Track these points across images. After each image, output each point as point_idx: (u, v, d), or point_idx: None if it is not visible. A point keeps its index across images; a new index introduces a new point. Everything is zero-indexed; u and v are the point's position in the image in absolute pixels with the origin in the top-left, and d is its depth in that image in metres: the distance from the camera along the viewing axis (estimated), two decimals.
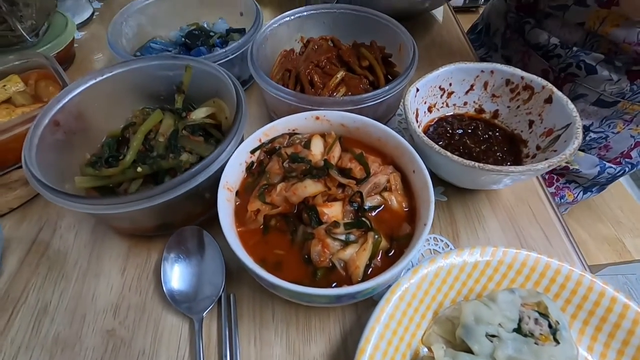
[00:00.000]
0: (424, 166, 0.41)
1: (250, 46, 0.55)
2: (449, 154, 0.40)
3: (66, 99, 0.46)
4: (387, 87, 0.49)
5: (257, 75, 0.51)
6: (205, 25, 0.72)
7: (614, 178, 0.85)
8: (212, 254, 0.42)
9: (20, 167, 0.51)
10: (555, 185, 0.89)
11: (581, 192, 0.90)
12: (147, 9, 0.66)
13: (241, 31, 0.69)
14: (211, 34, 0.68)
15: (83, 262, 0.45)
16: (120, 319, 0.41)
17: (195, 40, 0.67)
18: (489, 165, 0.38)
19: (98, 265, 0.45)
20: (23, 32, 0.60)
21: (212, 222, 0.46)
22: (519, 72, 0.49)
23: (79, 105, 0.48)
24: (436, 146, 0.41)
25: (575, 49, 0.72)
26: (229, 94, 0.48)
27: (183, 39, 0.68)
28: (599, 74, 0.69)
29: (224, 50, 0.56)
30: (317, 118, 0.48)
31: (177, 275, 0.41)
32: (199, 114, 0.51)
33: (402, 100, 0.47)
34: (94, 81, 0.49)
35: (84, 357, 0.38)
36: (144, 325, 0.40)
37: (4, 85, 0.53)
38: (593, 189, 0.90)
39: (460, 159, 0.39)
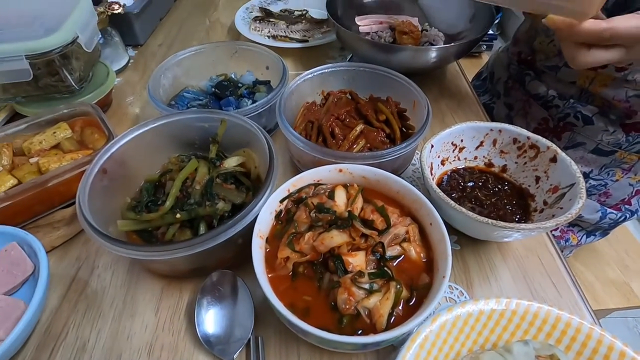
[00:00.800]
0: (440, 220, 0.44)
1: (278, 101, 0.61)
2: (464, 209, 0.44)
3: (113, 149, 0.51)
4: (404, 144, 0.54)
5: (285, 130, 0.56)
6: (233, 77, 0.78)
7: (616, 223, 0.88)
8: (243, 297, 0.45)
9: (64, 208, 0.56)
10: (559, 229, 0.92)
11: (585, 236, 0.92)
12: (183, 62, 0.73)
13: (266, 83, 0.75)
14: (239, 84, 0.75)
15: (119, 302, 0.48)
16: (154, 358, 0.43)
17: (225, 91, 0.73)
18: (501, 222, 0.42)
19: (133, 305, 0.48)
20: (72, 83, 0.66)
21: (240, 264, 0.49)
22: (525, 132, 0.54)
23: (123, 154, 0.53)
24: (452, 202, 0.45)
25: (572, 100, 0.77)
26: (259, 145, 0.53)
27: (213, 89, 0.74)
28: (595, 124, 0.74)
29: (254, 105, 0.61)
30: (340, 170, 0.52)
31: (210, 318, 0.44)
32: (231, 163, 0.56)
33: (419, 156, 0.52)
34: (138, 132, 0.54)
35: None
36: None
37: (54, 132, 0.59)
38: (596, 233, 0.93)
39: (475, 216, 0.43)
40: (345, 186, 0.51)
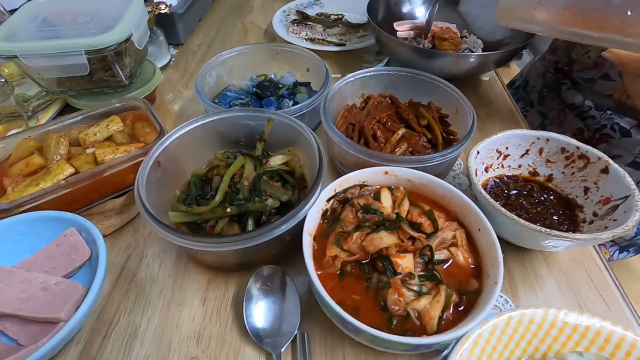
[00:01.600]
0: (490, 226, 0.44)
1: (322, 103, 0.62)
2: (515, 217, 0.44)
3: (167, 143, 0.53)
4: (451, 149, 0.54)
5: (331, 131, 0.57)
6: (273, 77, 0.80)
7: None
8: (290, 293, 0.46)
9: (115, 197, 0.58)
10: None
11: (617, 251, 0.90)
12: (226, 62, 0.75)
13: (307, 85, 0.76)
14: (280, 85, 0.76)
15: (167, 291, 0.50)
16: (202, 348, 0.44)
17: (265, 91, 0.75)
18: (556, 231, 0.42)
19: (181, 295, 0.49)
20: (123, 78, 0.69)
21: (284, 261, 0.50)
22: (574, 142, 0.53)
23: (174, 148, 0.54)
24: (503, 209, 0.45)
25: (609, 112, 0.76)
26: (305, 145, 0.54)
27: (254, 89, 0.76)
28: (634, 137, 0.72)
29: (299, 105, 0.62)
30: (386, 173, 0.52)
31: (259, 312, 0.45)
32: (276, 161, 0.57)
33: (467, 162, 0.52)
34: (189, 128, 0.56)
35: None
36: (225, 355, 0.44)
37: (107, 125, 0.61)
38: (630, 249, 0.90)
39: (528, 224, 0.43)
40: (390, 188, 0.52)
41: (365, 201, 0.49)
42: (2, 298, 0.42)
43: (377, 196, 0.50)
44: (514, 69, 1.86)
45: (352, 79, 0.68)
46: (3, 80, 0.65)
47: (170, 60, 0.93)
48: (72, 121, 0.61)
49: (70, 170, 0.54)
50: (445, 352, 0.43)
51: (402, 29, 0.86)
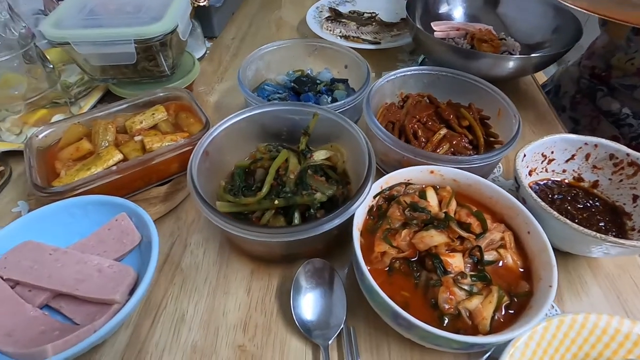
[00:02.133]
0: (541, 229, 0.44)
1: (365, 100, 0.62)
2: (568, 221, 0.43)
3: (215, 133, 0.54)
4: (497, 151, 0.54)
5: (375, 128, 0.57)
6: (309, 73, 0.80)
7: None
8: (337, 287, 0.46)
9: (159, 185, 0.59)
10: None
11: None
12: (265, 56, 0.75)
13: (344, 81, 0.76)
14: (317, 81, 0.76)
15: (212, 279, 0.50)
16: (249, 336, 0.45)
17: (303, 86, 0.75)
18: (612, 238, 0.41)
19: (226, 283, 0.50)
20: (166, 69, 0.70)
21: (327, 255, 0.50)
22: (624, 148, 0.53)
23: (221, 138, 0.55)
24: (555, 213, 0.44)
25: None
26: (351, 141, 0.55)
27: (291, 84, 0.76)
28: None
29: (342, 102, 0.63)
30: (432, 172, 0.52)
31: (306, 304, 0.45)
32: (320, 156, 0.57)
33: (514, 165, 0.52)
34: (236, 119, 0.56)
35: None
36: (271, 345, 0.44)
37: (153, 114, 0.62)
38: None
39: (582, 229, 0.42)
40: (434, 188, 0.52)
41: (411, 199, 0.49)
42: (60, 277, 0.43)
43: (422, 195, 0.50)
44: (540, 73, 1.84)
45: (392, 77, 0.68)
46: (51, 67, 0.67)
47: (205, 53, 0.94)
48: (118, 109, 0.63)
49: (119, 156, 0.55)
50: (490, 352, 0.43)
51: (440, 29, 0.85)
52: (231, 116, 0.56)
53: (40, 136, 0.57)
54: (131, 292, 0.44)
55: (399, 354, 0.44)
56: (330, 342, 0.43)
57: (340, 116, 0.56)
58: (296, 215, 0.50)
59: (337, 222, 0.43)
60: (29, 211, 0.58)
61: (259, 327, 0.46)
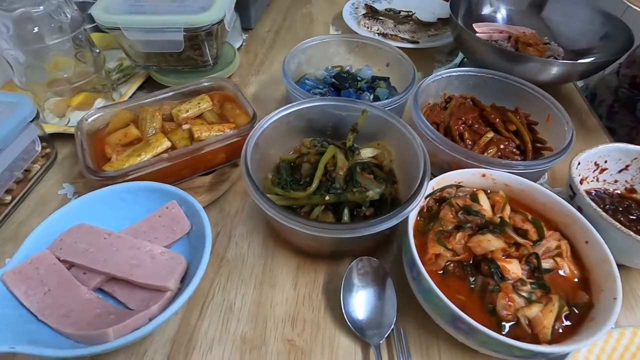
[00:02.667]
0: (601, 239, 0.43)
1: (413, 98, 0.61)
2: (632, 233, 0.42)
3: (265, 125, 0.53)
4: (550, 158, 0.53)
5: (425, 128, 0.57)
6: (349, 69, 0.79)
7: None
8: (387, 286, 0.46)
9: (203, 175, 0.59)
10: None
11: None
12: (307, 50, 0.75)
13: (386, 79, 0.76)
14: (358, 78, 0.75)
15: (258, 272, 0.50)
16: (298, 331, 0.45)
17: (343, 82, 0.74)
18: None
19: (272, 276, 0.50)
20: (209, 58, 0.70)
21: (375, 252, 0.50)
22: None
23: (270, 131, 0.55)
24: (617, 223, 0.43)
25: None
26: (400, 140, 0.54)
27: (332, 79, 0.76)
28: None
29: (389, 100, 0.62)
30: (484, 175, 0.52)
31: (359, 302, 0.45)
32: (367, 154, 0.57)
33: (569, 173, 0.51)
34: (285, 112, 0.56)
35: None
36: (320, 341, 0.44)
37: (198, 103, 0.62)
38: None
39: None
40: (485, 192, 0.51)
41: (463, 202, 0.49)
42: (115, 262, 0.43)
43: (474, 198, 0.50)
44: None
45: (438, 77, 0.67)
46: (97, 51, 0.67)
47: (241, 45, 0.94)
48: (164, 96, 0.63)
49: (168, 144, 0.55)
50: None
51: (483, 30, 0.84)
52: (281, 109, 0.55)
53: (90, 120, 0.57)
54: (182, 280, 0.44)
55: (449, 356, 0.43)
56: (381, 341, 0.43)
57: (391, 114, 0.55)
58: (345, 212, 0.49)
59: (394, 221, 0.43)
60: (74, 194, 0.59)
61: (308, 323, 0.45)
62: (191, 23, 0.62)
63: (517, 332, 0.39)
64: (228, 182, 0.59)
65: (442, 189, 0.51)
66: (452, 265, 0.44)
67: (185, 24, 0.62)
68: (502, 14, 0.91)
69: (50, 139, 0.62)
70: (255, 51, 0.94)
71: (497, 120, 0.64)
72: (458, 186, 0.52)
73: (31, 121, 0.54)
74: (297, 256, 0.52)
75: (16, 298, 0.39)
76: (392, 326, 0.44)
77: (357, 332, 0.43)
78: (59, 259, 0.43)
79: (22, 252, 0.42)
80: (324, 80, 0.77)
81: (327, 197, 0.49)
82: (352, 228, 0.42)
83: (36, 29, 0.57)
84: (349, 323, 0.44)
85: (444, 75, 0.68)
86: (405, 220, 0.44)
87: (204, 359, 0.42)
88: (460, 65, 0.90)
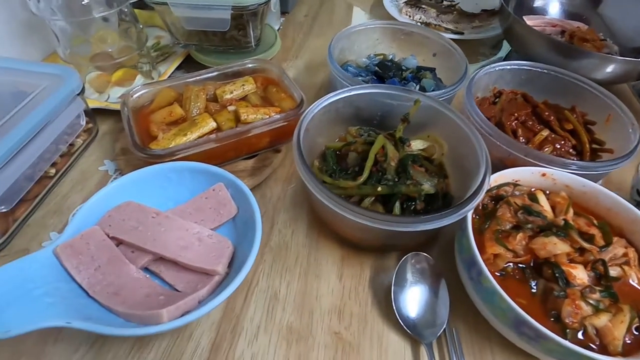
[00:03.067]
0: None
1: (467, 91, 0.58)
2: None
3: (315, 111, 0.52)
4: (617, 160, 0.50)
5: (481, 122, 0.54)
6: (391, 58, 0.76)
7: None
8: (440, 284, 0.44)
9: (246, 159, 0.57)
10: None
11: None
12: (351, 36, 0.72)
13: (432, 70, 0.73)
14: (403, 67, 0.73)
15: (303, 260, 0.49)
16: (345, 324, 0.43)
17: (387, 71, 0.72)
18: None
19: (317, 266, 0.48)
20: (252, 40, 0.68)
21: (423, 248, 0.48)
22: None
23: (319, 117, 0.53)
24: None
25: None
26: (454, 134, 0.52)
27: (375, 67, 0.73)
28: None
29: (441, 91, 0.59)
30: (544, 175, 0.49)
31: (411, 299, 0.43)
32: (417, 146, 0.55)
33: (635, 177, 0.48)
34: (334, 99, 0.54)
35: (317, 353, 0.41)
36: (368, 336, 0.43)
37: (243, 85, 0.60)
38: None
39: None
40: (544, 192, 0.48)
41: (522, 201, 0.46)
42: (164, 242, 0.42)
43: (533, 198, 0.47)
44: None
45: (490, 70, 0.64)
46: (141, 27, 0.66)
47: (279, 28, 0.92)
48: (208, 76, 0.61)
49: (213, 124, 0.54)
50: None
51: (535, 23, 0.80)
52: (331, 95, 0.53)
53: (135, 96, 0.56)
54: (229, 265, 0.43)
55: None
56: (434, 340, 0.41)
57: (447, 106, 0.53)
58: (397, 205, 0.47)
59: (455, 218, 0.41)
60: (115, 171, 0.58)
61: (355, 317, 0.44)
62: (239, 1, 0.60)
63: (582, 342, 0.37)
64: (270, 167, 0.58)
65: (498, 187, 0.49)
66: (511, 267, 0.42)
67: (233, 2, 0.60)
68: (554, 7, 0.86)
69: (92, 115, 0.61)
70: (292, 36, 0.92)
71: (552, 118, 0.61)
72: (515, 184, 0.49)
73: (78, 94, 0.53)
74: (342, 247, 0.50)
75: (68, 272, 0.39)
76: (445, 325, 0.42)
77: (409, 329, 0.41)
78: (108, 236, 0.42)
79: (72, 227, 0.41)
80: (367, 68, 0.75)
81: (379, 188, 0.47)
82: (414, 222, 0.40)
83: (85, 1, 0.56)
84: (399, 319, 0.42)
85: (496, 68, 0.64)
86: (464, 218, 0.42)
87: (250, 346, 0.41)
88: (506, 58, 0.86)
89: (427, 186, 0.47)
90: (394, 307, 0.43)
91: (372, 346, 0.42)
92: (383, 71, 0.72)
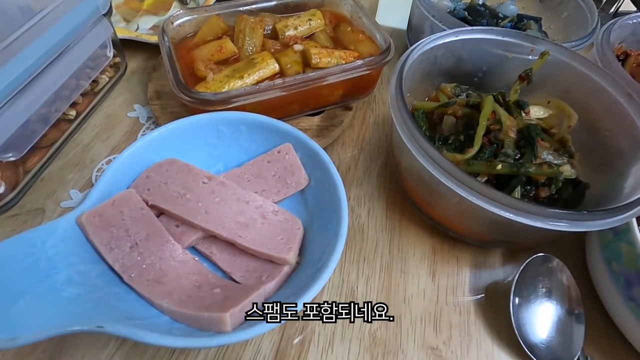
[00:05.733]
0: None
1: (599, 45, 0.45)
2: None
3: (411, 60, 0.39)
4: None
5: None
6: (483, 2, 0.62)
7: None
8: (574, 298, 0.34)
9: (310, 115, 0.46)
10: None
11: None
12: None
13: (537, 20, 0.58)
14: (500, 15, 0.58)
15: (384, 250, 0.39)
16: (443, 338, 0.34)
17: (479, 18, 0.58)
18: None
19: (402, 259, 0.38)
20: None
21: (542, 249, 0.37)
22: None
23: (415, 67, 0.40)
24: None
25: None
26: (593, 100, 0.39)
27: (464, 13, 0.59)
28: None
29: (570, 43, 0.45)
30: None
31: (538, 315, 0.33)
32: (537, 113, 0.42)
33: None
34: (434, 44, 0.41)
35: None
36: (474, 356, 0.33)
37: (309, 20, 0.47)
38: None
39: None
40: None
41: None
42: (218, 216, 0.32)
43: None
44: None
45: (628, 21, 0.49)
46: None
47: None
48: (265, 5, 0.48)
49: (275, 66, 0.42)
50: None
51: None
52: (431, 38, 0.41)
53: (176, 24, 0.44)
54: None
55: None
56: None
57: (591, 63, 0.39)
58: (518, 190, 0.36)
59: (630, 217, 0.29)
60: (147, 119, 0.47)
61: (455, 328, 0.34)
62: None
63: None
64: (340, 127, 0.46)
65: None
66: None
67: None
68: None
69: (120, 46, 0.49)
70: None
71: None
72: None
73: (104, 15, 0.41)
74: (432, 235, 0.40)
75: (96, 250, 0.29)
76: (579, 354, 0.32)
77: (533, 354, 0.31)
78: (146, 203, 0.32)
79: (100, 187, 0.31)
80: (453, 13, 0.60)
81: (499, 167, 0.35)
82: (582, 219, 0.28)
83: None
84: (520, 340, 0.32)
85: (635, 20, 0.50)
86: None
87: (324, 357, 0.32)
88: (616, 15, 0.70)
89: (568, 169, 0.35)
90: (513, 324, 0.32)
91: None
92: (473, 18, 0.58)
